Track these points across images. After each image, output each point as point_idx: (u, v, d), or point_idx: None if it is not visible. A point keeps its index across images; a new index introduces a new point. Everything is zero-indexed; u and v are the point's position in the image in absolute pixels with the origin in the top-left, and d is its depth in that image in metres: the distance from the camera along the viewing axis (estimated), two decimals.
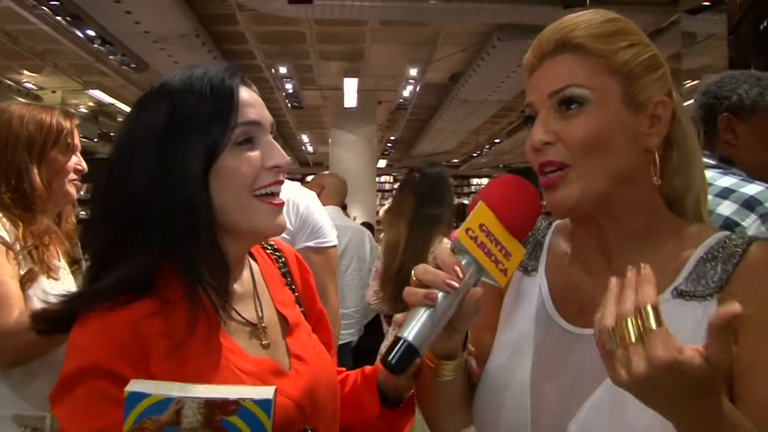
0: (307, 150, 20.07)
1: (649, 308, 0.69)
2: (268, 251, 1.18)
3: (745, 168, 1.80)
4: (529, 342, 0.99)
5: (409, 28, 8.86)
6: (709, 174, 1.72)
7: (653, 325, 0.68)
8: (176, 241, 0.92)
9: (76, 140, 1.88)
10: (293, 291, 1.16)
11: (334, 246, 2.34)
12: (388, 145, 19.06)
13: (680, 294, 0.91)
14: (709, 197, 1.62)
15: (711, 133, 1.86)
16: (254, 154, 0.96)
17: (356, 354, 3.89)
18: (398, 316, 0.86)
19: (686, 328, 0.87)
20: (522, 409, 0.94)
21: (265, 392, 0.81)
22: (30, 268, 1.70)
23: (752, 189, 1.66)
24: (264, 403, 0.80)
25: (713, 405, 0.72)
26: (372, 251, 4.12)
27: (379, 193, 17.96)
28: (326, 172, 5.02)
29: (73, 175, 1.85)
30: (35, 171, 1.76)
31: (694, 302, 0.89)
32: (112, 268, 0.93)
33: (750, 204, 1.61)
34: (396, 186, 20.92)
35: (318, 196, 3.91)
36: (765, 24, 5.31)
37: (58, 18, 7.36)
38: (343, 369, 1.21)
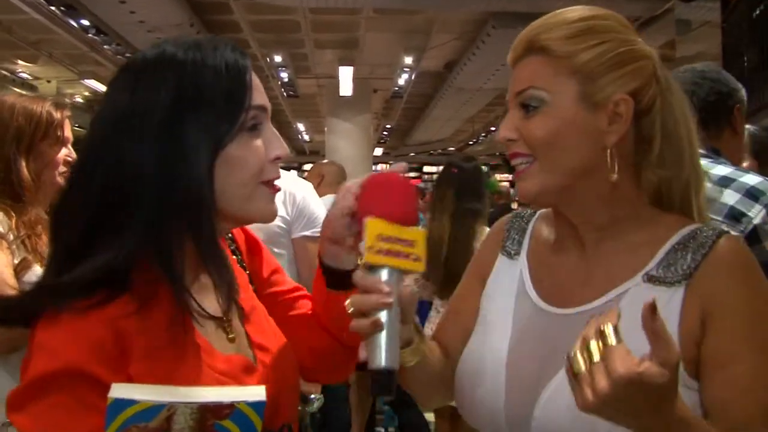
0: (303, 138, 20.05)
1: (610, 328, 0.72)
2: None
3: (730, 159, 1.83)
4: (508, 320, 1.05)
5: (403, 16, 8.84)
6: (702, 162, 1.76)
7: (613, 342, 0.72)
8: (169, 233, 0.84)
9: (67, 132, 1.87)
10: (244, 269, 1.09)
11: None
12: (384, 133, 19.05)
13: (650, 279, 0.96)
14: (708, 185, 1.67)
15: (715, 122, 1.86)
16: (259, 142, 0.91)
17: None
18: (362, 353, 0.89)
19: None
20: (497, 382, 1.00)
21: (258, 393, 0.79)
22: (24, 258, 1.72)
23: (751, 179, 1.68)
24: (257, 405, 0.78)
25: (671, 411, 0.76)
26: None
27: None
28: (324, 161, 4.97)
29: (63, 168, 1.85)
30: (23, 163, 1.76)
31: (663, 287, 0.94)
32: (83, 259, 0.82)
33: (753, 194, 1.64)
34: None
35: (318, 185, 3.97)
36: (758, 11, 5.33)
37: (52, 8, 7.34)
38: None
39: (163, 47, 0.90)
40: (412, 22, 9.14)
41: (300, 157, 20.91)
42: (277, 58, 10.45)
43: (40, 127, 1.79)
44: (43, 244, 1.78)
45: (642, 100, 0.98)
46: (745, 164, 2.28)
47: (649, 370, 0.70)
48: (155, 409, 0.72)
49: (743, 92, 1.90)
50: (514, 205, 7.82)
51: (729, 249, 0.94)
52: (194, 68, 0.86)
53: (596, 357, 0.72)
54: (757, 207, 1.62)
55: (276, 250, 2.36)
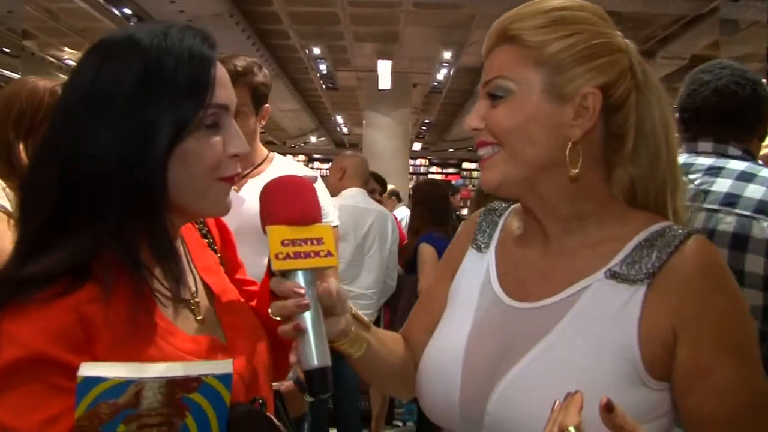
0: (341, 131, 20.12)
1: (572, 429, 0.72)
2: None
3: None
4: (470, 312, 1.04)
5: (443, 10, 8.80)
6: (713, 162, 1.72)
7: None
8: (127, 220, 0.85)
9: None
10: (215, 252, 1.10)
11: (336, 226, 2.36)
12: (423, 128, 19.01)
13: (613, 275, 0.93)
14: (729, 181, 1.65)
15: (751, 126, 1.81)
16: (218, 139, 0.91)
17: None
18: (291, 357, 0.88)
19: (612, 310, 0.91)
20: (453, 375, 0.99)
21: (225, 366, 0.80)
22: None
23: None
24: (225, 378, 0.79)
25: None
26: (394, 232, 4.09)
27: (414, 177, 17.92)
28: (346, 153, 4.77)
29: None
30: (21, 146, 1.77)
31: (625, 285, 0.92)
32: (46, 248, 0.84)
33: None
34: (431, 170, 20.96)
35: (341, 179, 3.93)
36: None
37: None
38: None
39: (132, 31, 0.91)
40: (452, 17, 9.09)
41: (340, 149, 21.02)
42: (316, 50, 10.51)
43: (41, 110, 1.78)
44: None
45: (613, 95, 0.95)
46: None
47: None
48: (124, 385, 0.73)
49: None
50: None
51: (697, 251, 0.91)
52: (158, 54, 0.87)
53: None
54: None
55: None
